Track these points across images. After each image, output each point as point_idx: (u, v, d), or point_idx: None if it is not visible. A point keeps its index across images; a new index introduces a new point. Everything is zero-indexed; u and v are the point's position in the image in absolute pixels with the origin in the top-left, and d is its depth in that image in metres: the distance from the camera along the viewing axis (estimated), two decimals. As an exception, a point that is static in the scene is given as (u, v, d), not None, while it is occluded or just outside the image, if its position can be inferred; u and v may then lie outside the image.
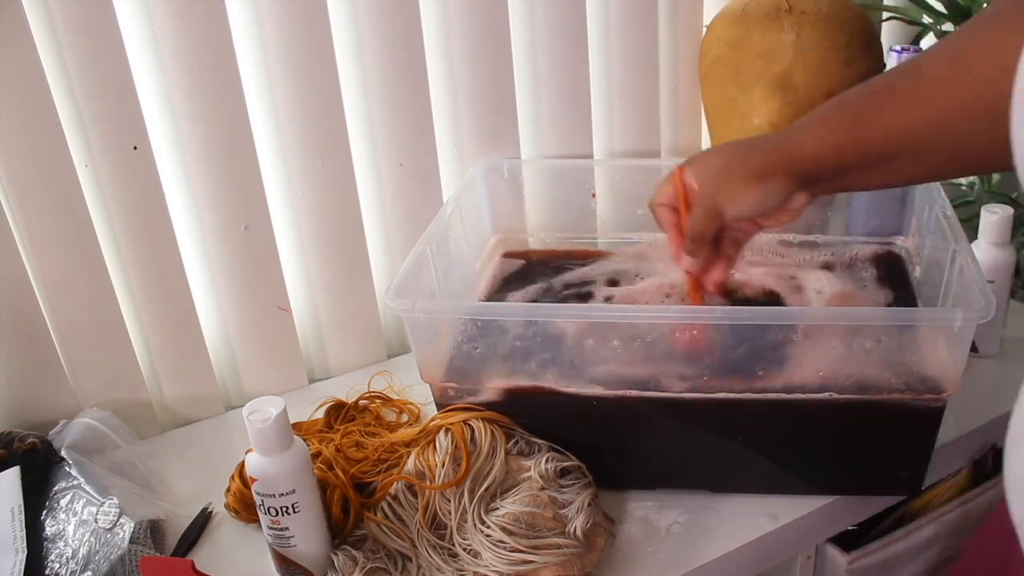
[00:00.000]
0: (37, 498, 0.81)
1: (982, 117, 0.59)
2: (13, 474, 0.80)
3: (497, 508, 0.75)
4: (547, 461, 0.79)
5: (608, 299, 0.95)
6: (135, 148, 0.87)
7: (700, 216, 0.76)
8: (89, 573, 0.74)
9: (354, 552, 0.75)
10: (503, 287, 1.01)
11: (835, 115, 0.72)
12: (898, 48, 1.02)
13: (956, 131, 0.63)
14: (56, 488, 0.81)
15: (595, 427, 0.81)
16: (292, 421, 0.76)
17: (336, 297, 1.05)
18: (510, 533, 0.73)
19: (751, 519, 0.81)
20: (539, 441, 0.81)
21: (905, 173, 0.72)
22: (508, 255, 1.07)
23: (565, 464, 0.79)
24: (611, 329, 0.81)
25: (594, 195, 1.08)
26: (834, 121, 0.71)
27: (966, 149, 0.65)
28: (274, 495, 0.71)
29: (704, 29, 1.15)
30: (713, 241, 0.78)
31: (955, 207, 0.88)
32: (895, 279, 0.95)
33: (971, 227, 0.99)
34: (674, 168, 0.79)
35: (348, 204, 1.01)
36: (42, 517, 0.79)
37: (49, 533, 0.78)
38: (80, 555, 0.75)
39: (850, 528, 0.88)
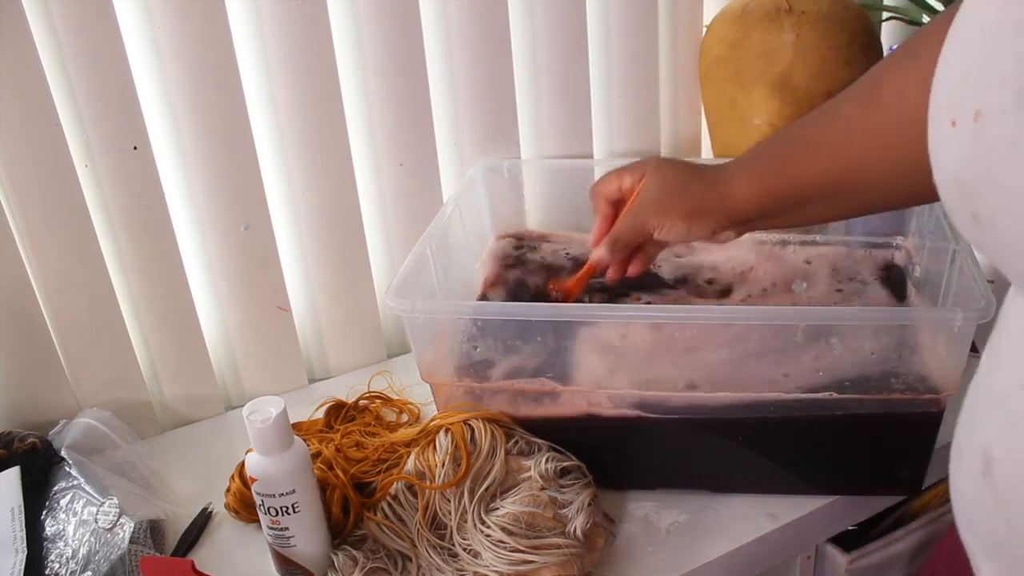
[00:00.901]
0: (37, 498, 0.81)
1: (897, 158, 0.61)
2: (13, 474, 0.80)
3: (497, 508, 0.75)
4: (547, 461, 0.79)
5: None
6: (135, 148, 0.87)
7: (627, 228, 0.80)
8: (89, 573, 0.74)
9: (354, 552, 0.75)
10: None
11: (765, 159, 0.74)
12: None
13: (876, 171, 0.65)
14: (56, 488, 0.81)
15: (595, 427, 0.81)
16: (292, 421, 0.76)
17: (336, 297, 1.05)
18: (510, 533, 0.73)
19: (751, 519, 0.81)
20: (539, 441, 0.81)
21: (831, 212, 0.75)
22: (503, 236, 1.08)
23: (565, 464, 0.79)
24: (611, 329, 0.81)
25: (594, 195, 1.08)
26: (763, 166, 0.74)
27: (887, 188, 0.67)
28: (274, 495, 0.71)
29: (704, 29, 1.15)
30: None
31: (955, 207, 0.88)
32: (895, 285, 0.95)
33: (971, 227, 0.99)
34: (624, 168, 0.81)
35: (348, 204, 1.01)
36: (42, 517, 0.79)
37: (49, 533, 0.78)
38: (80, 555, 0.75)
39: (850, 528, 0.88)
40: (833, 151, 0.68)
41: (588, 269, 0.86)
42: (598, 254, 0.82)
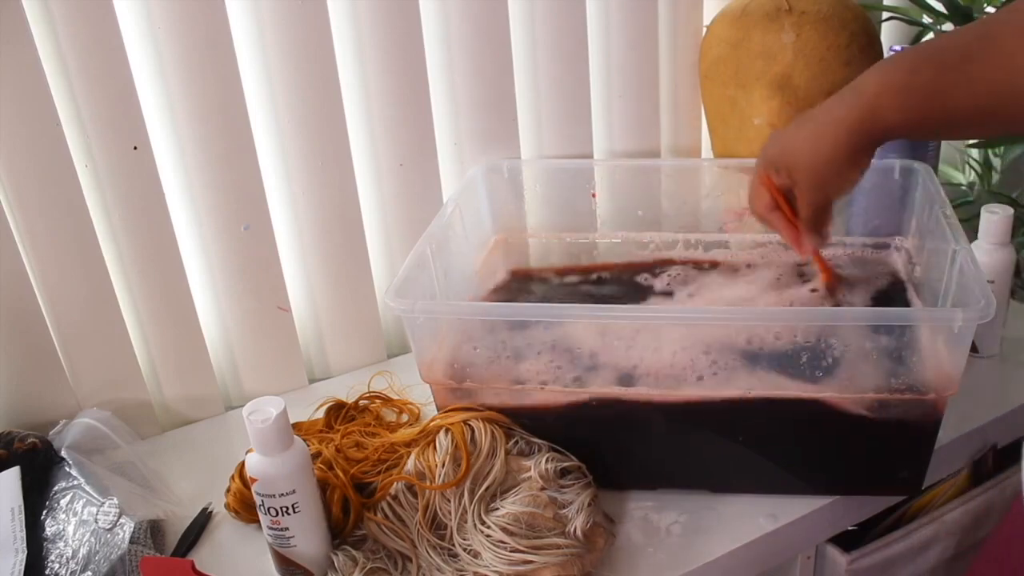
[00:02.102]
0: (37, 498, 0.81)
1: None
2: (13, 474, 0.80)
3: (497, 508, 0.75)
4: (547, 461, 0.79)
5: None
6: (135, 148, 0.87)
7: (812, 212, 0.80)
8: (89, 573, 0.74)
9: (354, 552, 0.75)
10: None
11: (909, 88, 0.71)
12: (898, 48, 1.02)
13: None
14: (56, 488, 0.81)
15: (595, 427, 0.81)
16: (292, 421, 0.76)
17: (336, 297, 1.05)
18: (510, 533, 0.73)
19: (751, 519, 0.81)
20: (539, 441, 0.81)
21: (984, 134, 0.79)
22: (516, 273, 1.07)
23: (565, 464, 0.79)
24: (612, 329, 0.81)
25: (594, 195, 1.08)
26: (914, 92, 0.71)
27: None
28: (274, 495, 0.71)
29: (704, 29, 1.15)
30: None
31: (955, 207, 0.88)
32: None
33: (971, 227, 0.99)
34: (756, 176, 0.83)
35: (348, 204, 1.01)
36: (42, 517, 0.79)
37: (49, 533, 0.78)
38: (80, 555, 0.75)
39: (850, 528, 0.88)
40: (997, 85, 0.65)
41: (819, 261, 0.92)
42: (810, 248, 0.84)
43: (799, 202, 0.80)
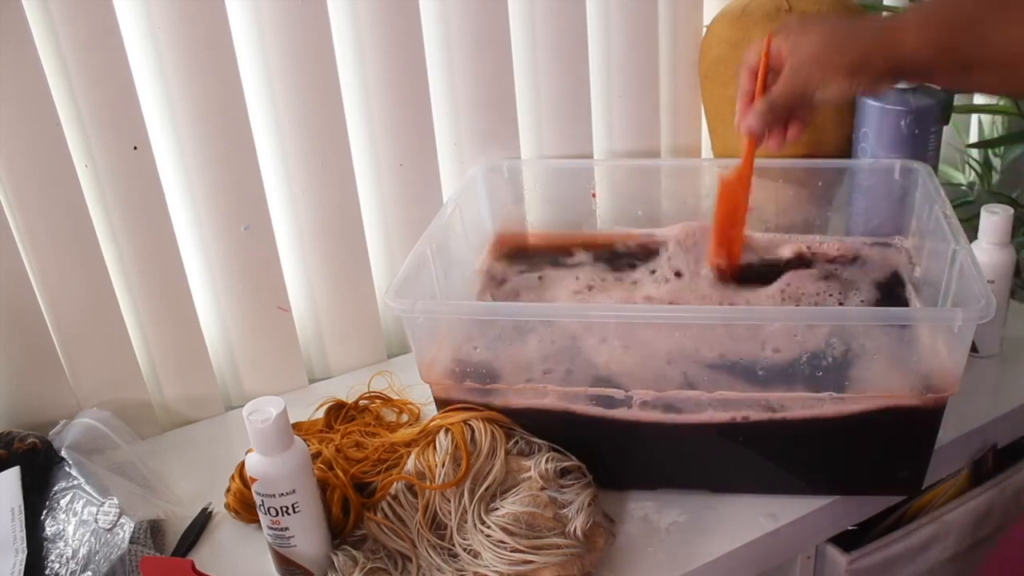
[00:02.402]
0: (37, 498, 0.81)
1: None
2: (13, 474, 0.80)
3: (497, 508, 0.75)
4: (547, 461, 0.79)
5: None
6: (135, 148, 0.87)
7: (786, 92, 0.77)
8: (89, 573, 0.74)
9: (354, 552, 0.75)
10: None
11: (944, 16, 0.71)
12: (898, 48, 1.02)
13: None
14: (56, 488, 0.81)
15: (594, 429, 0.81)
16: (292, 421, 0.76)
17: (336, 297, 1.05)
18: (510, 533, 0.73)
19: (751, 519, 0.81)
20: (539, 441, 0.81)
21: (1002, 86, 0.74)
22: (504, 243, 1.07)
23: (565, 464, 0.79)
24: (613, 329, 0.81)
25: (594, 195, 1.08)
26: (941, 22, 0.70)
27: None
28: (274, 495, 0.71)
29: (704, 29, 1.15)
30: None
31: (955, 207, 0.88)
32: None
33: (971, 227, 0.99)
34: (769, 33, 0.80)
35: (348, 204, 1.01)
36: (42, 517, 0.79)
37: (49, 533, 0.78)
38: (80, 555, 0.75)
39: (850, 528, 0.88)
40: None
41: (749, 145, 0.84)
42: (749, 123, 0.80)
43: (778, 81, 0.78)
